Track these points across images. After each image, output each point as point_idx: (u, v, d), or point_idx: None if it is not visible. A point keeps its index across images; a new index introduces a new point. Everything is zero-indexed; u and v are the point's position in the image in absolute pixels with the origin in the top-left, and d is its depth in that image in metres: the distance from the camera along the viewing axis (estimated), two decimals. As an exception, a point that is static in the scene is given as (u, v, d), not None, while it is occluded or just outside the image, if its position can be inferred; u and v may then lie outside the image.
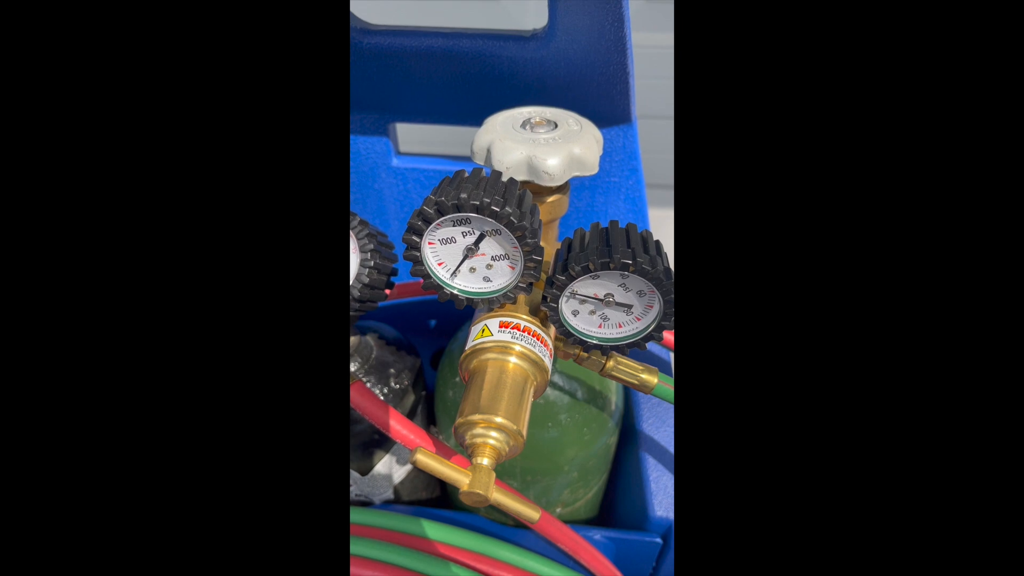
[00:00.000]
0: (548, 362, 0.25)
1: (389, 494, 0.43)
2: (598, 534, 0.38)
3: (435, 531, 0.34)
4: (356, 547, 0.33)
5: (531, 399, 0.24)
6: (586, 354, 0.28)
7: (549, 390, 0.37)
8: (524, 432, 0.23)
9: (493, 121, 0.29)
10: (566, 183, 0.32)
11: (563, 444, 0.37)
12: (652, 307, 0.25)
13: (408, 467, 0.44)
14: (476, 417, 0.22)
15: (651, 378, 0.29)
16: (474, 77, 0.34)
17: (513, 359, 0.24)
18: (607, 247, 0.23)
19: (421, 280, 0.25)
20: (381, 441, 0.41)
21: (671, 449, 0.41)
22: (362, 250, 0.30)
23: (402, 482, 0.44)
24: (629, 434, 0.43)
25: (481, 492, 0.20)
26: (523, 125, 0.29)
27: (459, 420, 0.23)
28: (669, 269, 0.23)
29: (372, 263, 0.30)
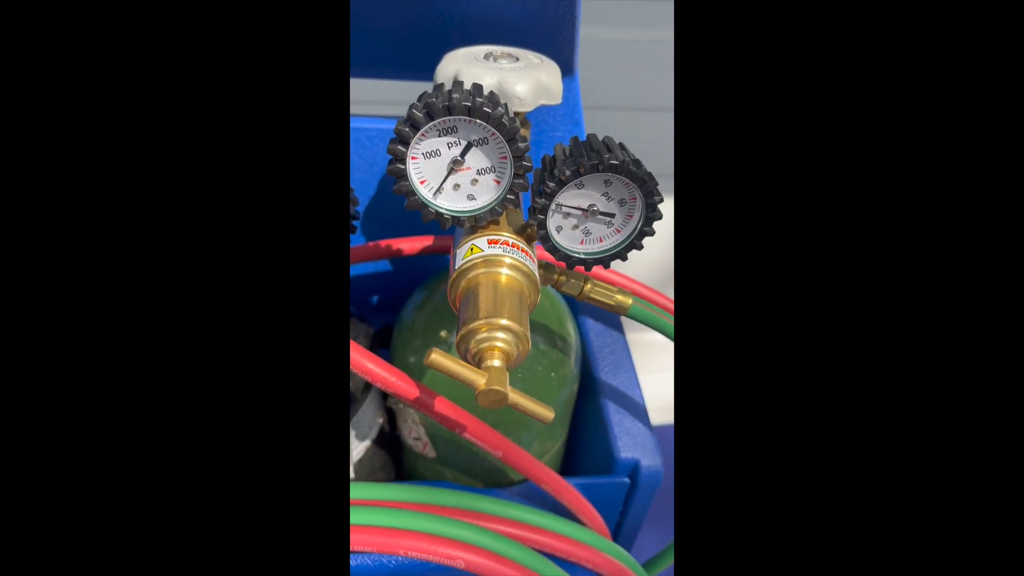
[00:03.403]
0: (536, 274, 0.25)
1: (347, 472, 0.40)
2: (568, 482, 0.38)
3: (417, 495, 0.33)
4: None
5: (530, 305, 0.24)
6: (564, 278, 0.29)
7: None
8: (530, 337, 0.22)
9: (455, 54, 0.29)
10: (527, 121, 0.32)
11: (532, 392, 0.37)
12: (632, 216, 0.26)
13: (366, 444, 0.41)
14: (479, 323, 0.22)
15: (626, 299, 0.30)
16: (425, 20, 0.33)
17: (505, 271, 0.24)
18: (593, 152, 0.24)
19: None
20: (338, 414, 0.38)
21: (629, 392, 0.42)
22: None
23: (360, 461, 0.41)
24: (587, 384, 0.43)
25: (500, 388, 0.20)
26: (486, 57, 0.29)
27: (461, 332, 0.22)
28: (651, 173, 0.24)
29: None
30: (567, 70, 0.38)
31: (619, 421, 0.41)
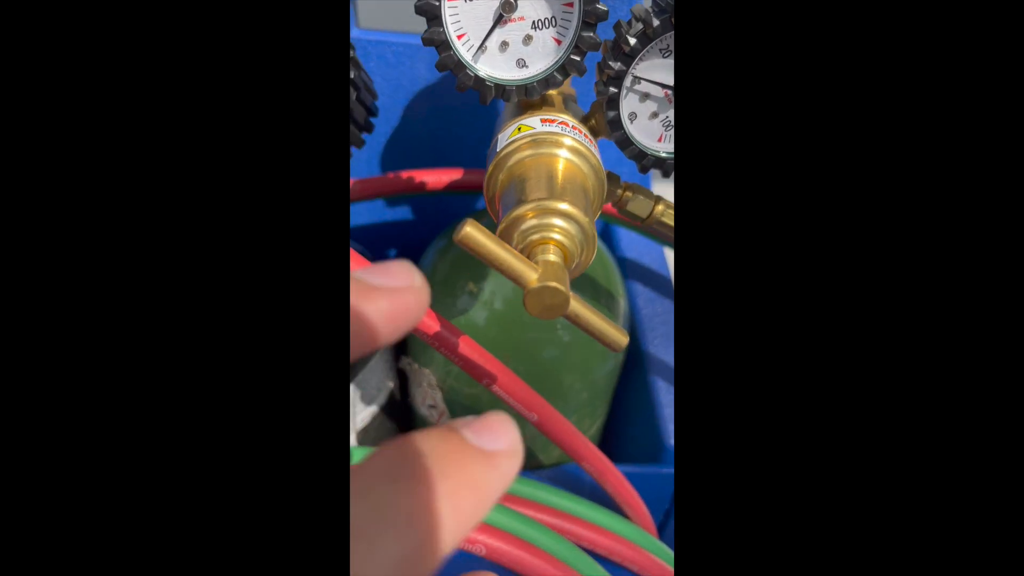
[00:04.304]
0: (604, 173, 0.19)
1: (352, 442, 0.35)
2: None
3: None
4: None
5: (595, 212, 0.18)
6: (630, 193, 0.23)
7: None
8: (596, 240, 0.16)
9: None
10: None
11: (572, 361, 0.31)
12: (730, 103, 0.19)
13: (373, 409, 0.36)
14: (527, 208, 0.16)
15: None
16: None
17: (564, 153, 0.18)
18: None
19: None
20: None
21: (682, 370, 0.36)
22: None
23: (364, 430, 0.35)
24: (632, 358, 0.37)
25: (559, 286, 0.14)
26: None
27: (502, 225, 0.16)
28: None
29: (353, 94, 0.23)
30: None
31: (670, 403, 0.35)
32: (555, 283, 0.14)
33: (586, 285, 0.32)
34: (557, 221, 0.15)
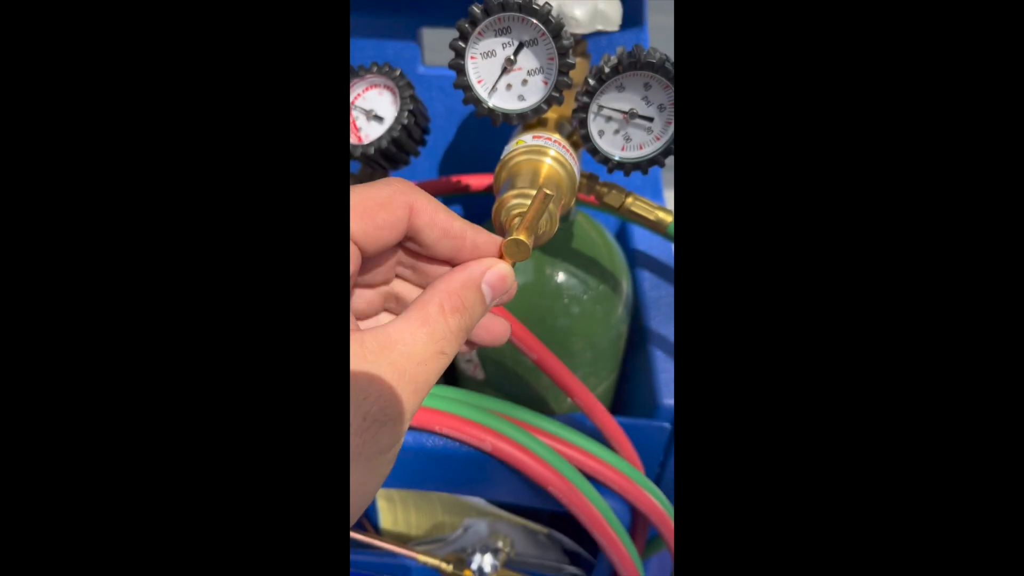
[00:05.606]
0: (577, 175, 0.27)
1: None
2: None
3: (458, 393, 0.35)
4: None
5: (561, 206, 0.26)
6: (606, 189, 0.31)
7: (561, 271, 0.38)
8: (557, 221, 0.25)
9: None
10: (587, 55, 0.35)
11: (579, 326, 0.39)
12: (671, 123, 0.27)
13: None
14: (511, 193, 0.24)
15: (666, 216, 0.31)
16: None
17: (548, 160, 0.26)
18: (634, 57, 0.26)
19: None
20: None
21: (679, 343, 0.43)
22: (402, 101, 0.33)
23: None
24: (639, 334, 0.44)
25: (526, 239, 0.22)
26: (551, -10, 0.32)
27: (495, 207, 0.25)
28: (688, 76, 0.26)
29: (407, 121, 0.33)
30: (635, 20, 0.40)
31: (665, 368, 0.41)
32: (523, 237, 0.22)
33: (594, 268, 0.40)
34: (530, 201, 0.24)
